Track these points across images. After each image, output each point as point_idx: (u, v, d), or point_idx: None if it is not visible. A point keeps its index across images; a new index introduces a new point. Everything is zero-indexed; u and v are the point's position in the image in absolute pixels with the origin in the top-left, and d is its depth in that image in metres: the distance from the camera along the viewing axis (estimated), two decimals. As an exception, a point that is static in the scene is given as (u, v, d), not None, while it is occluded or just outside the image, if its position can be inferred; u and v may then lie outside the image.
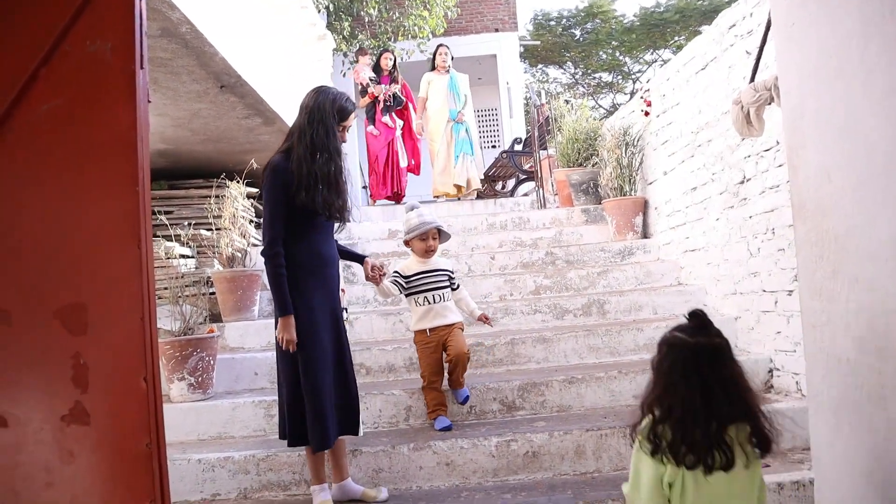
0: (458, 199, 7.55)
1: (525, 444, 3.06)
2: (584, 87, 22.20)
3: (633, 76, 21.16)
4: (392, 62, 7.80)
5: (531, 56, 20.77)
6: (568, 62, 21.65)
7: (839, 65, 1.87)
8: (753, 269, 3.76)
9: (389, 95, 7.52)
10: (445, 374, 3.35)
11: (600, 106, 21.43)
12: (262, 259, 2.66)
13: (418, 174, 8.02)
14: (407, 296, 3.38)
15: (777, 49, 2.21)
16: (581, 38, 20.49)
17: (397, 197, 7.68)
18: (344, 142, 2.83)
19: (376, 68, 7.79)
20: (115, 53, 1.30)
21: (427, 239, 3.34)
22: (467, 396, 3.35)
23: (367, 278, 3.10)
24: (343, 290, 3.01)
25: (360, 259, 3.10)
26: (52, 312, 1.26)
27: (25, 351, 1.26)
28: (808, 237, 2.12)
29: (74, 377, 1.27)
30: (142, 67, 1.33)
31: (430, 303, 3.32)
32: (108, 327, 1.29)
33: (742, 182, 3.83)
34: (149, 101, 1.36)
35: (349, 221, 2.91)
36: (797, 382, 3.39)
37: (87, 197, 1.29)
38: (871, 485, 1.90)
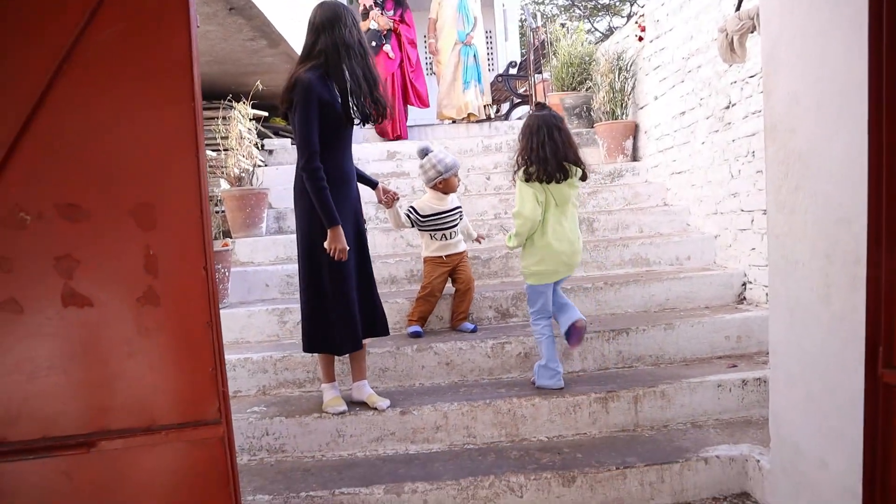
0: (454, 121, 7.54)
1: (518, 345, 3.38)
2: (580, 8, 21.73)
3: (630, -1, 20.71)
4: None
5: (528, -25, 20.19)
6: (564, -17, 21.08)
7: (812, -3, 2.05)
8: (733, 191, 4.00)
9: (386, 31, 7.04)
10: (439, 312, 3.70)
11: (596, 29, 21.04)
12: (301, 174, 2.78)
13: (427, 106, 7.51)
14: (421, 230, 3.67)
15: (759, -21, 2.37)
16: (578, -42, 19.91)
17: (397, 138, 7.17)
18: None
19: None
20: (168, -16, 1.48)
21: (449, 181, 3.64)
22: (475, 328, 3.63)
23: (379, 201, 3.32)
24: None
25: (373, 184, 3.29)
26: (126, 211, 1.49)
27: (105, 243, 1.49)
28: (776, 156, 2.35)
29: (146, 265, 1.51)
30: (191, -3, 1.51)
31: (446, 239, 3.67)
32: (173, 224, 1.51)
33: (728, 107, 4.02)
34: (197, 27, 1.55)
35: (388, 118, 3.20)
36: (766, 294, 3.70)
37: (152, 110, 1.49)
38: (815, 375, 2.21)
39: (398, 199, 3.37)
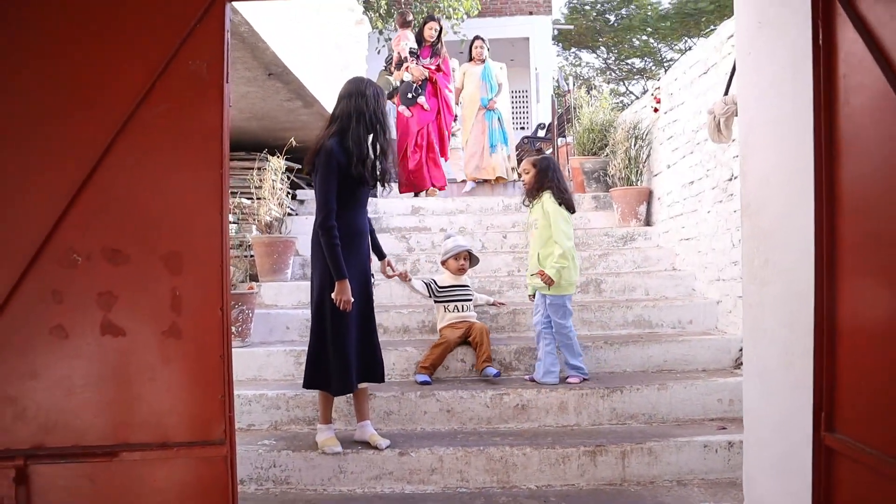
0: (483, 181, 7.51)
1: (516, 397, 3.55)
2: (616, 72, 22.25)
3: (666, 64, 21.16)
4: (437, 33, 7.03)
5: (565, 40, 20.85)
6: (601, 47, 21.69)
7: (780, 90, 2.29)
8: (734, 259, 4.17)
9: (420, 82, 6.83)
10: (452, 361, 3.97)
11: (631, 92, 21.47)
12: (318, 230, 3.12)
13: (446, 159, 7.45)
14: (437, 302, 4.05)
15: (738, 71, 2.63)
16: (615, 24, 20.53)
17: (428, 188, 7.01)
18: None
19: (419, 38, 7.07)
20: (209, 71, 1.79)
21: (459, 259, 4.08)
22: (498, 373, 3.80)
23: (383, 272, 3.64)
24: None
25: (381, 255, 3.58)
26: (158, 257, 1.77)
27: (139, 283, 1.78)
28: (750, 232, 2.56)
29: (172, 304, 1.78)
30: (227, 82, 1.82)
31: (459, 311, 4.03)
32: (197, 270, 1.79)
33: (730, 179, 4.23)
34: (230, 106, 1.86)
35: (392, 184, 3.49)
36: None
37: (185, 174, 1.79)
38: (780, 438, 2.35)
39: (409, 279, 3.86)
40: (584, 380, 3.69)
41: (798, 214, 2.18)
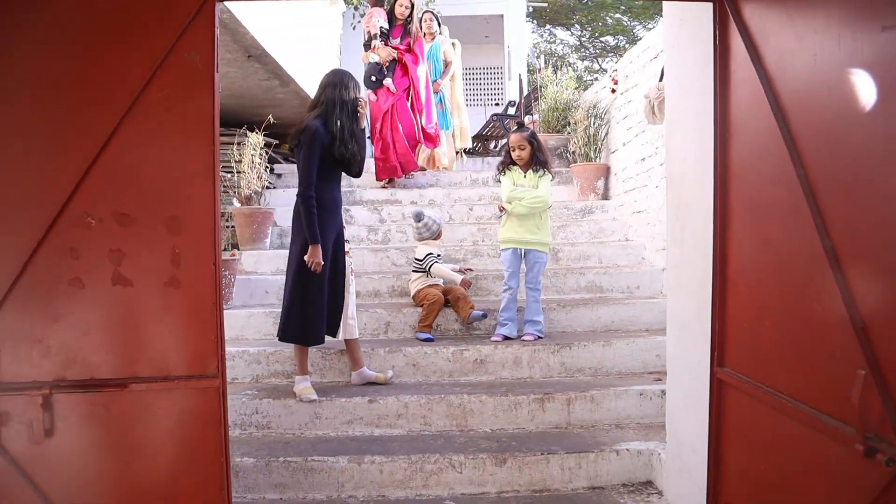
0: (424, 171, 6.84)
1: (475, 353, 3.95)
2: (590, 49, 22.52)
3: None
4: (409, 10, 6.55)
5: (539, 17, 21.01)
6: (575, 25, 21.90)
7: (693, 79, 2.65)
8: (677, 229, 4.58)
9: (388, 63, 6.40)
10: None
11: (604, 70, 21.76)
12: (298, 199, 3.52)
13: (436, 144, 6.67)
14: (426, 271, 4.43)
15: (665, 62, 2.99)
16: (588, 2, 20.74)
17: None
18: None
19: (391, 16, 6.55)
20: (202, 62, 2.10)
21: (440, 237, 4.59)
22: (484, 314, 4.26)
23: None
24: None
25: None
26: (160, 220, 2.09)
27: (144, 242, 2.10)
28: (672, 201, 2.95)
29: (172, 259, 2.11)
30: (217, 71, 2.13)
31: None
32: (193, 231, 2.11)
33: (674, 157, 4.62)
34: (219, 92, 2.17)
35: (361, 174, 3.87)
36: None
37: (182, 150, 2.10)
38: (692, 378, 2.75)
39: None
40: (539, 338, 4.10)
41: (708, 186, 2.55)
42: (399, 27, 6.59)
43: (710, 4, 2.30)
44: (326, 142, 3.52)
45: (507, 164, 4.36)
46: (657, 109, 3.31)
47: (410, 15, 6.57)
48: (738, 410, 2.24)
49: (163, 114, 2.08)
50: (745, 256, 2.16)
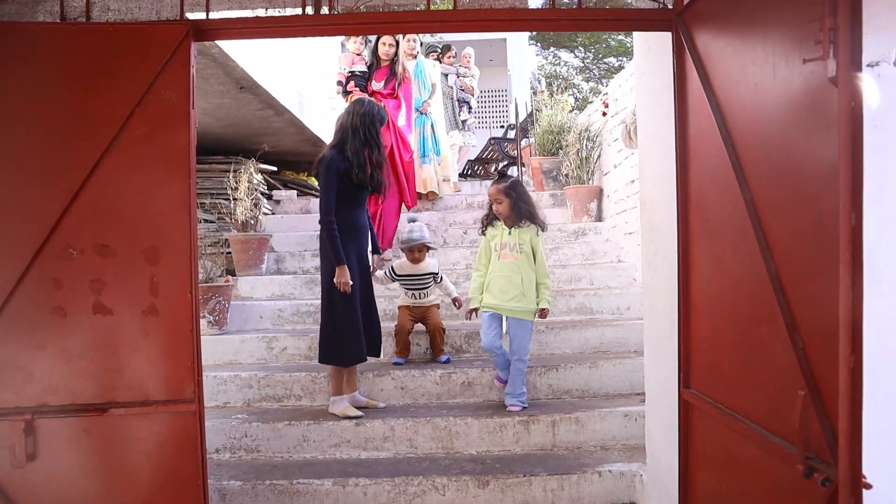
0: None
1: (462, 375, 4.00)
2: (595, 71, 22.71)
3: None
4: (394, 48, 5.79)
5: (543, 39, 21.26)
6: (579, 47, 22.13)
7: (660, 104, 2.73)
8: (664, 251, 4.63)
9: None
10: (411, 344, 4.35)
11: (607, 92, 21.91)
12: (320, 226, 3.63)
13: (414, 204, 6.03)
14: (400, 284, 4.40)
15: (635, 88, 3.07)
16: (589, 25, 20.88)
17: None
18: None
19: (374, 58, 5.86)
20: (178, 99, 2.20)
21: (413, 251, 4.33)
22: (447, 359, 4.26)
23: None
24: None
25: (375, 249, 4.15)
26: (139, 251, 2.18)
27: (124, 272, 2.19)
28: (645, 225, 3.01)
29: (150, 289, 2.20)
30: (192, 108, 2.24)
31: (415, 298, 4.37)
32: (170, 261, 2.20)
33: (660, 179, 4.68)
34: (196, 127, 2.27)
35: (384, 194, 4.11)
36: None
37: (160, 183, 2.20)
38: (667, 400, 2.79)
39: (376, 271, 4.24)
40: (524, 408, 3.74)
41: (674, 209, 2.63)
42: (384, 69, 5.85)
43: (668, 34, 2.39)
44: (343, 168, 3.67)
45: (491, 219, 3.85)
46: (634, 133, 3.39)
47: (396, 54, 5.85)
48: (702, 432, 2.28)
49: (142, 148, 2.18)
50: (703, 279, 2.22)
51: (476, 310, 3.87)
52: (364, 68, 5.95)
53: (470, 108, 8.24)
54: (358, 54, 6.06)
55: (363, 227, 3.85)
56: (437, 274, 4.43)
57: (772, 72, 1.72)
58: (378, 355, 3.88)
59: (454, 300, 4.46)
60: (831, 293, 1.46)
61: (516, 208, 3.75)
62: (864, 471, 1.50)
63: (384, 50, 5.76)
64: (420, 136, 6.30)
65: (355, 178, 3.69)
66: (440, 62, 7.87)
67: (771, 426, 1.77)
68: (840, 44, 1.41)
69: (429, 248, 4.44)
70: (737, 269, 1.95)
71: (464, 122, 8.02)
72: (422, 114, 6.36)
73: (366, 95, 5.57)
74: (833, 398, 1.48)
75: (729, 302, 2.01)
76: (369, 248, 3.98)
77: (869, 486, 1.41)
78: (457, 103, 8.14)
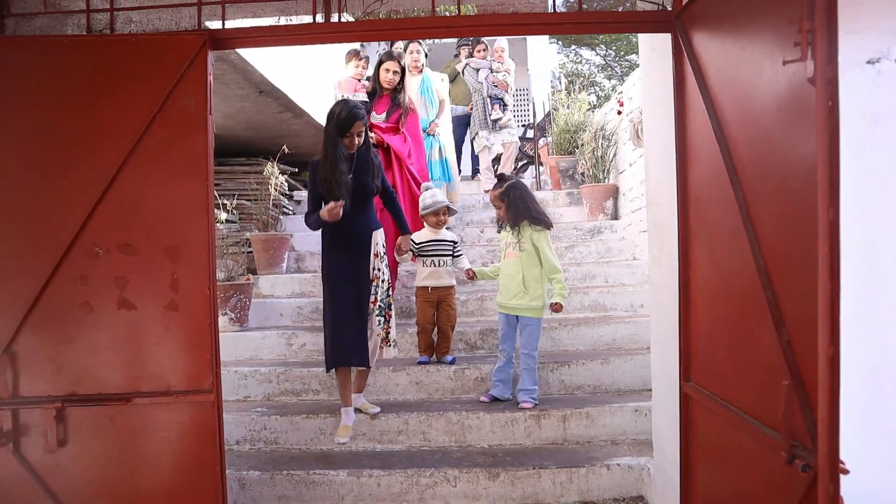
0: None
1: (476, 371, 4.08)
2: (617, 69, 22.61)
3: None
4: (399, 76, 4.87)
5: (564, 38, 21.20)
6: (600, 45, 22.04)
7: (663, 106, 2.79)
8: (677, 248, 4.67)
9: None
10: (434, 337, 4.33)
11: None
12: (302, 223, 3.75)
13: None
14: (418, 255, 4.34)
15: (641, 88, 3.13)
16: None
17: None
18: (351, 150, 3.58)
19: (375, 85, 4.97)
20: (196, 106, 2.33)
21: (438, 214, 4.33)
22: (453, 360, 4.25)
23: (396, 250, 4.12)
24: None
25: (402, 230, 4.07)
26: (161, 249, 2.31)
27: (146, 269, 2.32)
28: (652, 222, 3.07)
29: (171, 285, 2.33)
30: (210, 114, 2.36)
31: (434, 266, 4.30)
32: (190, 259, 2.33)
33: (673, 177, 4.72)
34: (214, 132, 2.40)
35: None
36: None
37: (180, 186, 2.33)
38: (672, 393, 2.84)
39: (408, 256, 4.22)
40: (535, 405, 3.77)
41: (670, 206, 2.69)
42: (386, 98, 4.92)
43: (669, 35, 2.45)
44: (320, 178, 3.55)
45: (500, 220, 4.03)
46: (641, 133, 3.44)
47: (401, 82, 4.90)
48: (702, 424, 2.34)
49: (162, 154, 2.31)
50: (701, 275, 2.28)
51: (473, 274, 4.21)
52: (365, 97, 5.18)
53: (504, 105, 7.66)
54: (358, 79, 5.72)
55: (357, 233, 3.65)
56: (455, 245, 4.39)
57: (759, 72, 1.78)
58: (367, 365, 3.65)
59: (466, 271, 4.29)
60: (813, 286, 1.52)
61: (513, 209, 3.86)
62: (858, 458, 1.56)
63: (387, 78, 4.84)
64: (428, 160, 5.56)
65: (321, 187, 3.55)
66: (472, 56, 7.78)
67: (761, 417, 1.83)
68: (817, 45, 1.47)
69: (450, 210, 4.41)
70: (730, 264, 2.01)
71: (495, 121, 7.39)
72: (429, 135, 5.69)
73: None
74: (815, 388, 1.54)
75: (724, 296, 2.07)
76: (381, 239, 3.77)
77: (846, 472, 1.47)
78: (488, 101, 7.75)
